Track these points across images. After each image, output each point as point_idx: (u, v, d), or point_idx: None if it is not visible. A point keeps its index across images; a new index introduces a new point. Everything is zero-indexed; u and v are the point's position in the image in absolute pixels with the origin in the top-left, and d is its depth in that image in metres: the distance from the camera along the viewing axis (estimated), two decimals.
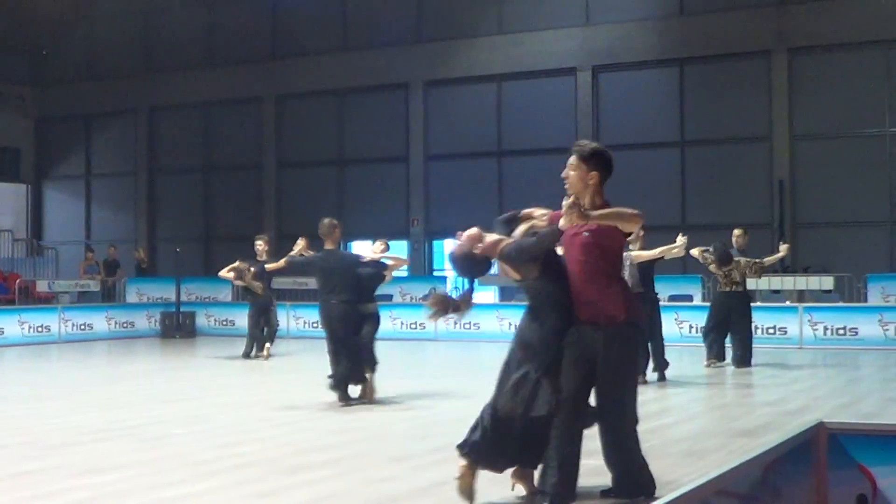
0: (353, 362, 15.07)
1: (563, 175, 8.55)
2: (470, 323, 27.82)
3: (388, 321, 28.29)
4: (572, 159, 8.47)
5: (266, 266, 22.92)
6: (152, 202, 41.19)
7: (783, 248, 22.40)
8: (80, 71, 42.29)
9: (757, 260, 21.09)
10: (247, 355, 23.23)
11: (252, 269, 23.11)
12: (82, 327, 29.09)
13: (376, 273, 15.98)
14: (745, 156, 31.51)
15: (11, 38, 41.64)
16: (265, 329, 23.45)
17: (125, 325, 29.95)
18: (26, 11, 40.25)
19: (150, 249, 40.14)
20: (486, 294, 34.31)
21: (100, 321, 29.41)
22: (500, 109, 34.73)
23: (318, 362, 21.63)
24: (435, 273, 35.64)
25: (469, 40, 35.09)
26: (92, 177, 42.79)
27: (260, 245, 23.55)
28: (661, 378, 17.45)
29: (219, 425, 12.72)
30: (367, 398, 15.16)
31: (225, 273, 23.58)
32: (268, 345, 23.17)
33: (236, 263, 23.55)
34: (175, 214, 40.63)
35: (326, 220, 15.67)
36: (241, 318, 29.78)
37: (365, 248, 19.26)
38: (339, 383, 14.90)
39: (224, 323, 30.99)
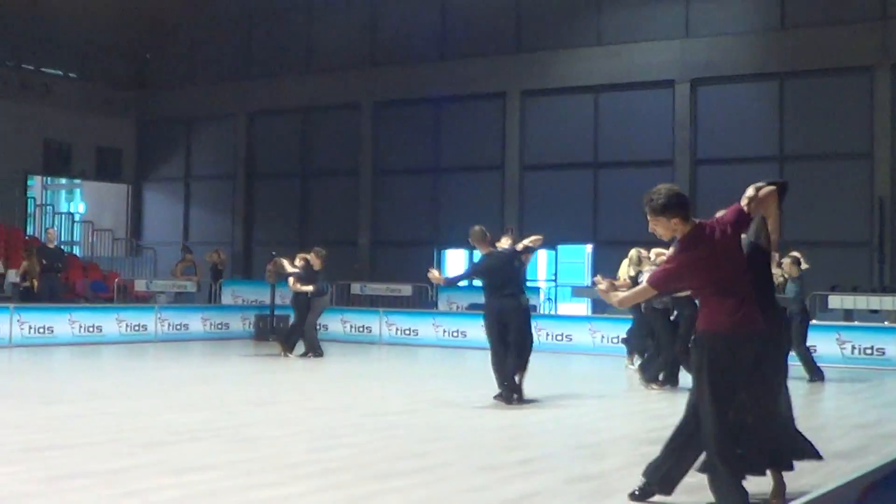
0: (520, 356, 15.66)
1: (650, 230, 8.56)
2: (563, 335, 27.74)
3: (481, 330, 28.20)
4: (649, 216, 8.47)
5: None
6: (249, 206, 41.50)
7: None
8: (182, 75, 42.73)
9: None
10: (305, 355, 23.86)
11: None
12: (178, 327, 29.30)
13: (523, 265, 16.66)
14: (845, 173, 31.11)
15: (116, 43, 42.17)
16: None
17: (220, 326, 30.14)
18: (130, 16, 40.71)
19: (246, 252, 40.50)
20: (578, 306, 34.22)
21: (195, 322, 29.61)
22: (596, 121, 34.61)
23: (408, 368, 21.67)
24: (528, 283, 35.44)
25: (567, 50, 35.01)
26: (191, 179, 43.21)
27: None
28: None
29: (310, 428, 12.72)
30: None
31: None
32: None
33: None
34: (271, 218, 40.89)
35: (477, 228, 16.29)
36: (335, 324, 30.03)
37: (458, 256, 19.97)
38: (512, 385, 15.47)
39: (318, 328, 31.10)
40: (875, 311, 27.61)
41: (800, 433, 8.94)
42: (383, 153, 38.57)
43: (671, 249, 8.75)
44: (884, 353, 24.39)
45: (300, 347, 23.83)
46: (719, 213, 8.69)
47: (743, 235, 8.64)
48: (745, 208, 8.48)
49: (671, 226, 8.39)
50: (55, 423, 12.87)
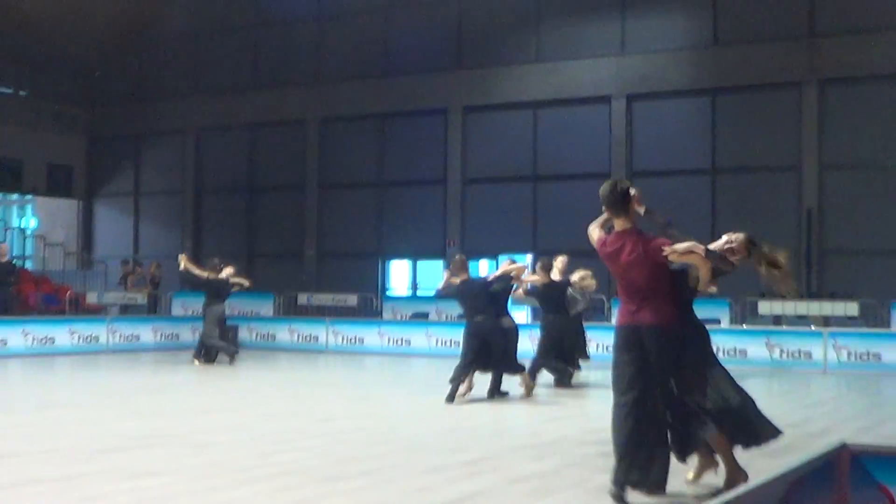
0: (497, 372, 17.48)
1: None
2: None
3: (425, 338, 28.33)
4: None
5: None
6: (198, 220, 41.41)
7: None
8: (131, 93, 42.55)
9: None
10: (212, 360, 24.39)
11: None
12: (129, 338, 29.24)
13: (505, 288, 17.88)
14: (775, 184, 31.41)
15: (65, 60, 41.95)
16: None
17: (170, 336, 30.09)
18: (79, 34, 40.51)
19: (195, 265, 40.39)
20: (519, 314, 34.33)
21: (146, 332, 29.55)
22: (536, 135, 34.77)
23: (354, 376, 21.74)
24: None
25: (507, 67, 35.19)
26: (140, 195, 43.03)
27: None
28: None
29: (259, 434, 12.76)
30: (526, 394, 17.57)
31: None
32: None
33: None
34: (220, 232, 40.80)
35: (458, 257, 18.20)
36: (282, 333, 30.08)
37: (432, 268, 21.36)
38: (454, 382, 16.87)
39: (266, 337, 31.10)
40: (802, 317, 27.97)
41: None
42: (328, 168, 38.57)
43: None
44: (811, 357, 24.75)
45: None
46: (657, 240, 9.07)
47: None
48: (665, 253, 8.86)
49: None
50: (11, 432, 12.86)
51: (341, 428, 13.52)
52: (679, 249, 8.84)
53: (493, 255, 35.29)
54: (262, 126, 39.93)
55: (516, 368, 17.66)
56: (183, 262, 24.65)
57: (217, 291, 24.40)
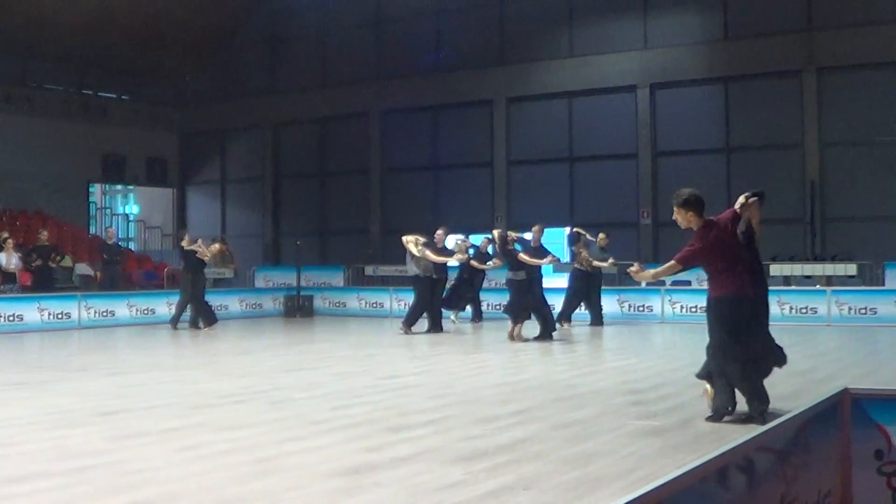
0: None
1: (672, 218, 10.40)
2: None
3: (485, 305, 28.26)
4: (674, 208, 10.21)
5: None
6: (276, 203, 41.58)
7: (610, 262, 24.62)
8: (217, 93, 42.74)
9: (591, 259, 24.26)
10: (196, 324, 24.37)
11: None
12: (219, 308, 29.35)
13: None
14: (781, 160, 31.20)
15: (160, 68, 42.19)
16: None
17: (254, 306, 30.19)
18: (171, 45, 40.75)
19: (274, 244, 40.64)
20: (560, 280, 34.29)
21: (234, 303, 29.67)
22: (571, 121, 34.67)
23: (415, 338, 21.77)
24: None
25: (544, 62, 35.07)
26: (226, 182, 43.25)
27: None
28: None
29: (332, 391, 12.78)
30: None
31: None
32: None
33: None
34: (296, 213, 40.95)
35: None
36: (352, 301, 30.16)
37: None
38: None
39: (337, 304, 31.17)
40: (808, 277, 27.79)
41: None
42: (389, 154, 38.62)
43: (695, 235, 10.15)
44: (816, 312, 24.61)
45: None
46: (721, 215, 10.11)
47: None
48: (738, 210, 9.85)
49: (688, 218, 10.09)
50: (120, 391, 12.96)
51: (404, 384, 13.53)
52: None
53: None
54: (331, 119, 39.98)
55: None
56: (184, 242, 24.59)
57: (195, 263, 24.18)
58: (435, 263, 22.56)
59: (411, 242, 22.64)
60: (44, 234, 28.56)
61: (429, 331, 22.42)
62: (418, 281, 22.70)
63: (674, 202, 10.15)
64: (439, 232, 23.56)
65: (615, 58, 33.63)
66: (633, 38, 33.59)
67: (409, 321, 22.68)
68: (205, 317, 24.19)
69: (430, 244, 22.82)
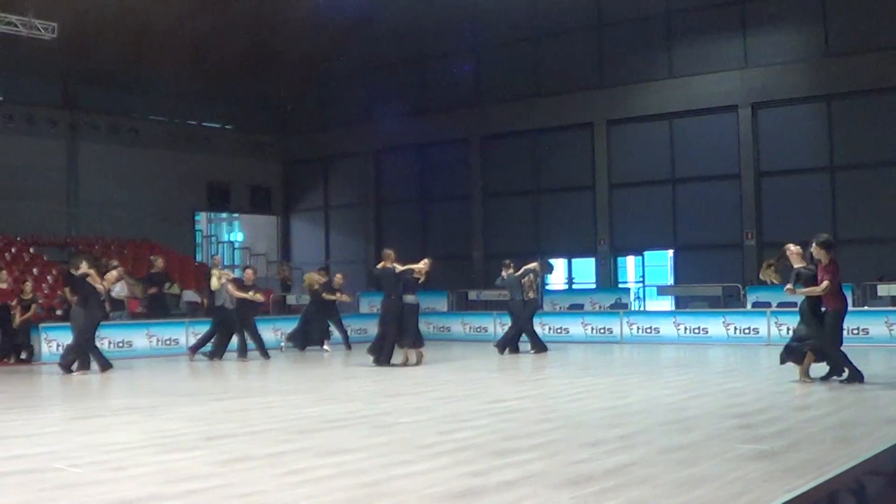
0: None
1: (813, 253, 15.63)
2: (651, 328, 27.69)
3: (580, 326, 28.18)
4: (816, 246, 15.53)
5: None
6: (379, 228, 41.85)
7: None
8: (317, 122, 43.20)
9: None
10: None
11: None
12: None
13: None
14: (889, 178, 30.62)
15: (262, 98, 42.85)
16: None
17: (358, 331, 30.32)
18: (272, 76, 41.37)
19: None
20: (663, 303, 34.06)
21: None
22: (672, 143, 34.43)
23: (520, 362, 21.72)
24: (620, 285, 35.44)
25: (644, 84, 34.90)
26: (329, 209, 43.66)
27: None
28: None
29: (437, 415, 12.79)
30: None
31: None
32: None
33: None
34: (398, 238, 41.05)
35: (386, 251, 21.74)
36: (455, 325, 30.22)
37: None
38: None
39: (441, 329, 31.26)
40: None
41: None
42: (490, 179, 38.68)
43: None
44: None
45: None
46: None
47: None
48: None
49: (823, 254, 15.35)
50: (225, 416, 13.13)
51: (509, 408, 13.51)
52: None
53: (638, 251, 35.20)
54: (432, 145, 40.19)
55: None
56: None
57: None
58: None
59: (215, 276, 23.98)
60: (158, 262, 28.98)
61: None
62: (222, 311, 23.96)
63: (815, 240, 15.50)
64: (248, 272, 25.33)
65: (715, 77, 33.36)
66: (732, 57, 33.28)
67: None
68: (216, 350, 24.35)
69: (236, 280, 24.51)
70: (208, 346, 24.26)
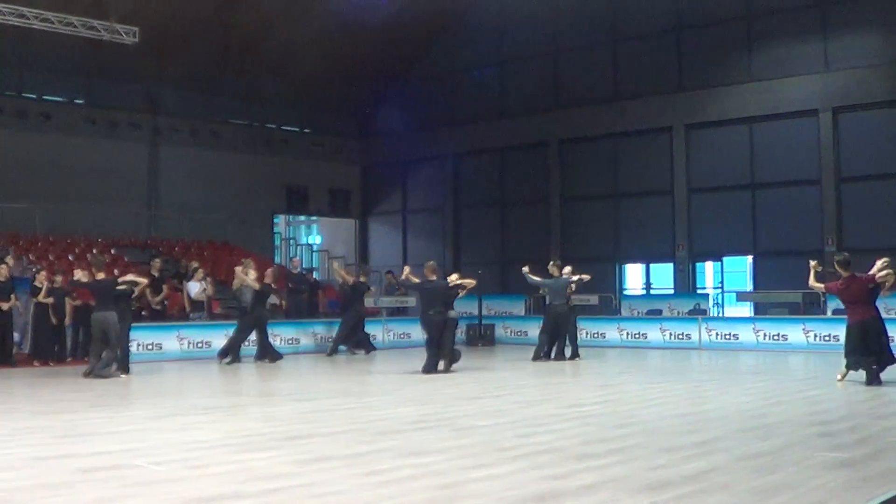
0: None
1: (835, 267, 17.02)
2: (730, 334, 27.53)
3: (659, 332, 28.11)
4: (839, 264, 17.04)
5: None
6: (457, 232, 41.95)
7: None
8: (397, 125, 43.35)
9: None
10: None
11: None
12: (402, 336, 29.78)
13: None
14: None
15: (341, 102, 43.14)
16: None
17: (402, 335, 30.36)
18: (351, 79, 41.68)
19: (455, 271, 40.90)
20: (742, 309, 33.79)
21: (416, 331, 29.90)
22: (752, 147, 34.15)
23: (598, 366, 21.68)
24: (698, 291, 35.22)
25: (723, 88, 34.67)
26: (407, 212, 43.83)
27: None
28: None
29: (516, 419, 12.82)
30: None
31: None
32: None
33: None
34: (476, 242, 41.24)
35: (429, 264, 22.17)
36: (533, 330, 30.19)
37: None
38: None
39: (518, 333, 31.29)
40: None
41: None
42: (569, 183, 38.63)
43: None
44: None
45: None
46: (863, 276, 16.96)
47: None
48: (877, 279, 16.93)
49: (843, 271, 16.85)
50: (305, 416, 13.28)
51: (588, 412, 13.53)
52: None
53: (717, 256, 34.97)
54: (510, 149, 40.22)
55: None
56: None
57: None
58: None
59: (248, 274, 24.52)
60: (294, 262, 29.87)
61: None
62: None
63: (836, 259, 16.99)
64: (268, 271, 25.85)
65: (795, 81, 33.06)
66: (813, 60, 32.96)
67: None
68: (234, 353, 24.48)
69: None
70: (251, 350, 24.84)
